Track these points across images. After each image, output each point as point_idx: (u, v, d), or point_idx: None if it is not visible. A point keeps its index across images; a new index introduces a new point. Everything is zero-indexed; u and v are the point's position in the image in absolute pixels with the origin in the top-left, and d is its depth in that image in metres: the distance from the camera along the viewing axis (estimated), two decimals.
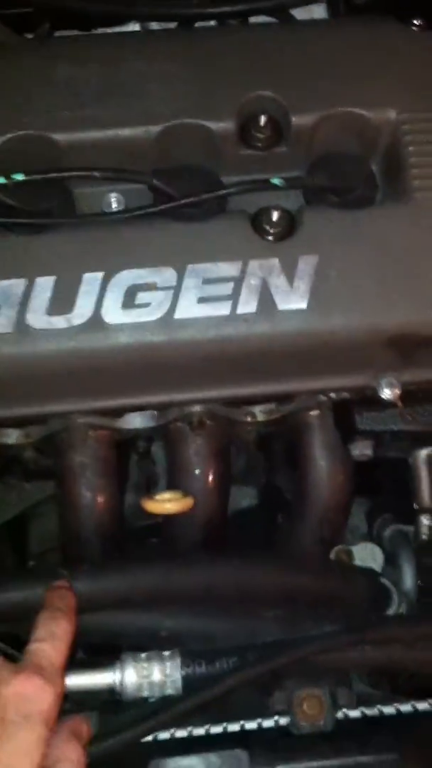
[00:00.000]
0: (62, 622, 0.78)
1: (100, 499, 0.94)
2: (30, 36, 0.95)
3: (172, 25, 0.99)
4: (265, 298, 0.82)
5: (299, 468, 0.99)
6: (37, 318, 0.81)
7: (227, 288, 0.83)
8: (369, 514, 1.16)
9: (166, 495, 0.91)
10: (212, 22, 0.98)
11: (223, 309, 0.82)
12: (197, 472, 0.95)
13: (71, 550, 0.96)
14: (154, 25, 1.00)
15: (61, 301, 0.81)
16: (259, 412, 0.96)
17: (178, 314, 0.82)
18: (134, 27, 1.00)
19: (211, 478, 0.96)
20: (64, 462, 0.94)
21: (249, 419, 0.96)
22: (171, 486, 0.97)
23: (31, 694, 0.71)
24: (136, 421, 0.94)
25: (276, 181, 0.86)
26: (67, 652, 0.76)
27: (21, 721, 0.70)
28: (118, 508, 0.98)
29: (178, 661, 0.82)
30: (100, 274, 0.82)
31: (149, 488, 1.18)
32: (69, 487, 0.95)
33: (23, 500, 1.17)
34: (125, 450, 1.10)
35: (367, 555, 1.10)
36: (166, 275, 0.82)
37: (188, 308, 0.82)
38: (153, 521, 1.09)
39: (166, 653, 0.83)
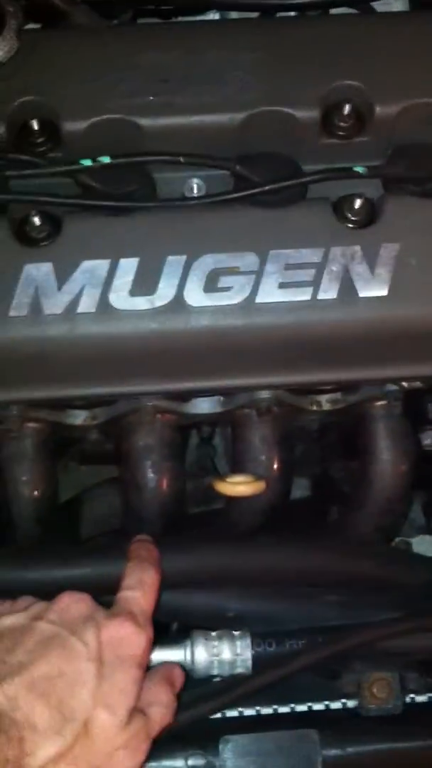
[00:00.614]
0: (150, 570, 0.80)
1: (165, 482, 0.95)
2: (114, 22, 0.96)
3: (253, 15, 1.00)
4: (346, 285, 0.83)
5: (362, 457, 0.99)
6: (120, 299, 0.82)
7: (308, 274, 0.83)
8: (426, 506, 1.17)
9: (239, 477, 0.92)
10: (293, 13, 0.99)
11: (304, 295, 0.83)
12: (263, 458, 0.96)
13: (134, 532, 0.97)
14: (234, 15, 1.01)
15: (144, 283, 0.82)
16: (325, 401, 0.96)
17: (259, 299, 0.83)
18: (214, 16, 1.01)
19: (276, 464, 0.96)
20: (130, 444, 0.95)
21: (315, 408, 0.97)
22: (232, 464, 0.98)
23: (125, 638, 0.74)
24: (203, 406, 0.95)
25: (359, 169, 0.86)
26: (155, 600, 0.79)
27: (117, 663, 0.73)
28: (182, 491, 0.99)
29: (248, 640, 0.83)
30: (182, 257, 0.83)
31: (208, 472, 1.19)
32: (134, 470, 0.95)
33: (78, 484, 1.19)
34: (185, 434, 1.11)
35: (426, 547, 1.11)
36: (248, 260, 0.83)
37: (269, 293, 0.83)
38: (204, 509, 1.11)
39: (236, 633, 0.84)
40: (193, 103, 0.88)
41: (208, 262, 0.83)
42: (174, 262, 0.83)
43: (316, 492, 1.20)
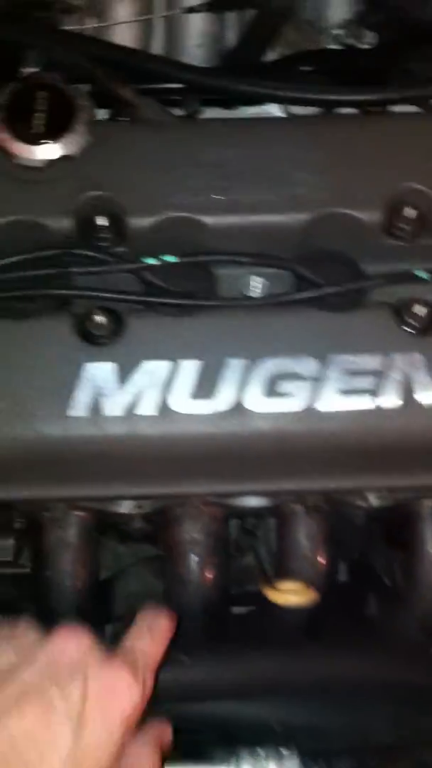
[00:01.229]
0: (161, 620, 0.75)
1: (209, 576, 0.94)
2: (178, 112, 0.96)
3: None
4: (408, 393, 0.82)
5: (409, 555, 0.98)
6: (180, 401, 0.82)
7: (369, 381, 0.83)
8: None
9: (289, 585, 0.90)
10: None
11: (364, 402, 0.82)
12: (309, 555, 0.95)
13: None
14: (296, 109, 1.01)
15: (205, 386, 0.82)
16: (374, 498, 0.95)
17: (320, 406, 0.82)
18: (276, 109, 1.01)
19: (322, 562, 0.95)
20: (175, 535, 0.94)
21: (362, 503, 0.96)
22: (278, 565, 0.97)
23: (115, 691, 0.66)
24: (251, 500, 0.94)
25: (422, 274, 0.86)
26: (161, 653, 0.72)
27: (99, 720, 0.65)
28: (225, 585, 0.98)
29: (296, 760, 0.81)
30: (243, 361, 0.83)
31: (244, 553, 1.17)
32: (178, 562, 0.94)
33: (116, 563, 1.17)
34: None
35: None
36: (309, 365, 0.83)
37: (330, 400, 0.82)
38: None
39: (285, 752, 0.82)
40: (257, 202, 0.88)
41: (268, 366, 0.83)
42: (234, 366, 0.82)
43: (353, 578, 1.19)
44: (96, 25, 1.14)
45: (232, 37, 1.17)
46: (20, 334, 0.84)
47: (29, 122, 0.88)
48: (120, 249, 0.87)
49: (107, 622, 1.07)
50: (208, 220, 0.87)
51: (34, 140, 0.87)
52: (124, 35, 1.16)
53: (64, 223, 0.87)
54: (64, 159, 0.87)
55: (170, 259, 0.85)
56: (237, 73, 1.06)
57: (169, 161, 0.89)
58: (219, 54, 1.17)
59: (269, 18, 1.06)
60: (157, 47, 1.18)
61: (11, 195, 0.87)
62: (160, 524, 0.96)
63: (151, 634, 0.73)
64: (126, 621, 0.76)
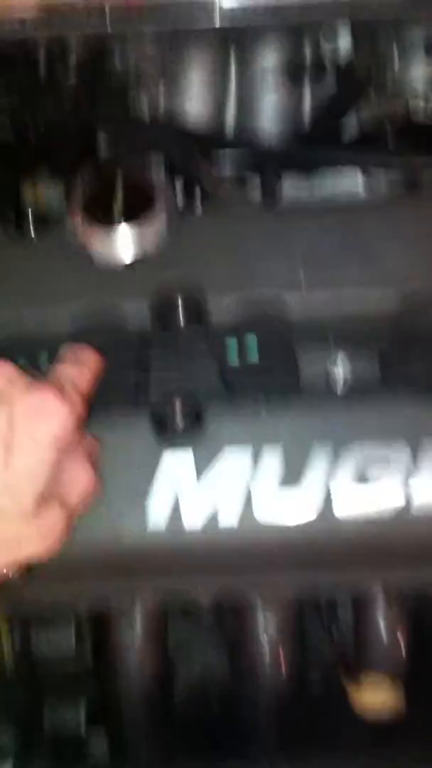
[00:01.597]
0: (91, 354, 0.72)
1: (282, 666, 0.92)
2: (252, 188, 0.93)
3: None
4: None
5: None
6: (265, 495, 0.78)
7: None
8: None
9: (374, 678, 0.85)
10: None
11: None
12: (392, 647, 0.90)
13: None
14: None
15: (289, 479, 0.78)
16: None
17: (416, 499, 0.78)
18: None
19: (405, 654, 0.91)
20: (249, 624, 0.92)
21: None
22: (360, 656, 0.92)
23: (43, 413, 0.63)
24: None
25: None
26: (92, 383, 0.69)
27: (29, 445, 0.63)
28: (299, 676, 0.94)
29: None
30: (329, 451, 0.79)
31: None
32: (250, 650, 0.92)
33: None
34: None
35: None
36: (401, 457, 0.78)
37: (425, 492, 0.78)
38: None
39: None
40: (343, 285, 0.85)
41: (357, 456, 0.78)
42: (320, 456, 0.79)
43: None
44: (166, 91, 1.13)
45: (309, 102, 1.15)
46: (98, 426, 0.80)
47: (107, 211, 0.86)
48: (199, 336, 0.85)
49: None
50: (290, 298, 0.84)
51: (112, 230, 0.85)
52: (196, 100, 1.16)
53: (141, 312, 0.84)
54: (142, 249, 0.85)
55: (252, 345, 0.82)
56: (316, 143, 1.04)
57: (253, 250, 0.86)
58: (295, 120, 1.15)
59: (350, 85, 1.03)
60: (230, 112, 1.17)
61: (88, 285, 0.85)
62: (232, 611, 0.94)
63: (78, 363, 0.70)
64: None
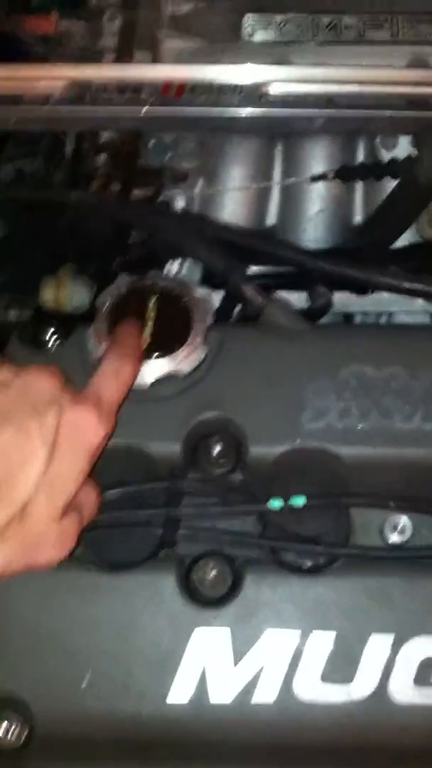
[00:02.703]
0: (130, 365, 0.74)
1: None
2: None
3: None
4: None
5: None
6: (307, 683, 0.67)
7: None
8: None
9: None
10: None
11: None
12: None
13: None
14: None
15: (339, 665, 0.67)
16: None
17: None
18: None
19: None
20: None
21: None
22: None
23: (85, 426, 0.68)
24: None
25: None
26: (125, 395, 0.72)
27: (69, 451, 0.66)
28: None
29: None
30: (389, 637, 0.68)
31: None
32: None
33: None
34: None
35: None
36: None
37: None
38: None
39: None
40: (402, 432, 0.74)
41: (419, 646, 0.67)
42: (377, 642, 0.67)
43: None
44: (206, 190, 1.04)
45: (359, 203, 1.06)
46: (122, 586, 0.71)
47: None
48: (237, 479, 0.74)
49: None
50: (344, 452, 0.73)
51: (143, 354, 0.75)
52: (236, 200, 1.07)
53: (173, 449, 0.74)
54: (175, 375, 0.75)
55: (298, 500, 0.71)
56: (371, 258, 0.95)
57: (299, 378, 0.76)
58: (343, 222, 1.06)
59: (412, 192, 0.93)
60: (272, 211, 1.08)
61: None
62: None
63: (117, 377, 0.73)
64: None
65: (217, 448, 0.74)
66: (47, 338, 0.80)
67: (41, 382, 0.68)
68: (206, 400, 0.75)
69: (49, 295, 0.96)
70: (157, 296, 0.78)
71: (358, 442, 0.74)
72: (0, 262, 1.03)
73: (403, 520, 0.75)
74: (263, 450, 0.74)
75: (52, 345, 0.80)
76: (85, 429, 0.67)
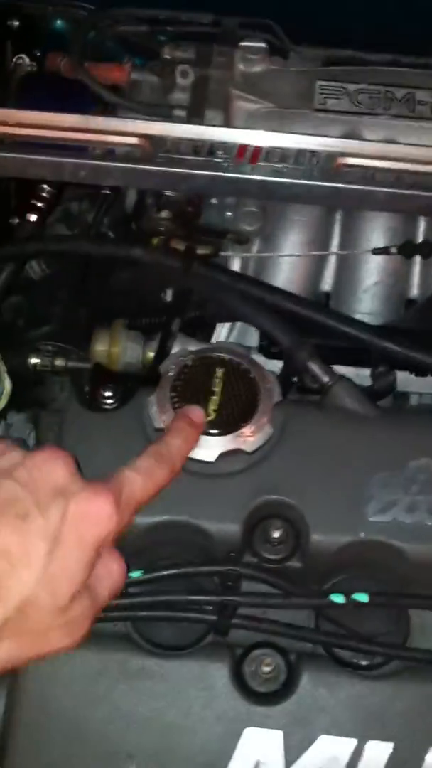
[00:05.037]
0: (166, 469, 0.70)
1: None
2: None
3: None
4: None
5: None
6: None
7: None
8: None
9: None
10: None
11: None
12: None
13: None
14: None
15: None
16: None
17: None
18: None
19: None
20: None
21: None
22: None
23: (94, 515, 0.64)
24: None
25: None
26: (152, 497, 0.68)
27: (74, 543, 0.63)
28: None
29: None
30: None
31: None
32: None
33: None
34: None
35: None
36: None
37: None
38: None
39: None
40: None
41: None
42: None
43: None
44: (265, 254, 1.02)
45: (417, 279, 1.04)
46: (170, 674, 0.68)
47: (201, 405, 0.73)
48: (295, 566, 0.72)
49: None
50: (409, 548, 0.71)
51: (207, 428, 0.72)
52: (293, 264, 1.05)
53: (232, 529, 0.71)
54: (238, 453, 0.73)
55: (361, 597, 0.68)
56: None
57: (365, 465, 0.73)
58: (399, 295, 1.04)
59: None
60: (328, 279, 1.06)
61: (174, 490, 0.71)
62: None
63: (147, 476, 0.69)
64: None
65: (276, 533, 0.72)
66: (106, 398, 0.78)
67: (50, 471, 0.65)
68: (269, 482, 0.73)
69: (101, 348, 0.94)
70: (224, 369, 0.76)
71: (424, 540, 0.71)
72: (48, 309, 1.02)
73: None
74: (325, 539, 0.71)
75: (112, 405, 0.78)
76: (93, 519, 0.64)
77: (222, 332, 0.99)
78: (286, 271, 1.04)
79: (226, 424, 0.73)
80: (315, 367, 0.80)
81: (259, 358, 0.90)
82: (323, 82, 0.99)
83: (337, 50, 1.05)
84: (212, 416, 0.73)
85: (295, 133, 0.91)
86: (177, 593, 0.69)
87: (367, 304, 1.05)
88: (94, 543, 0.64)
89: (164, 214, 0.97)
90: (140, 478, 0.68)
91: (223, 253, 1.01)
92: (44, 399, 0.92)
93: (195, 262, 0.89)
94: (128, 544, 0.70)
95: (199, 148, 0.88)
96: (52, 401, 0.92)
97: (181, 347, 0.89)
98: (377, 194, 0.89)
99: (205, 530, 0.71)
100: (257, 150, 0.88)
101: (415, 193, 0.90)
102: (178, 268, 0.90)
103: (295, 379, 0.86)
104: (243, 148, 0.88)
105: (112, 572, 0.67)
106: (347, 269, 1.05)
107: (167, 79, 1.00)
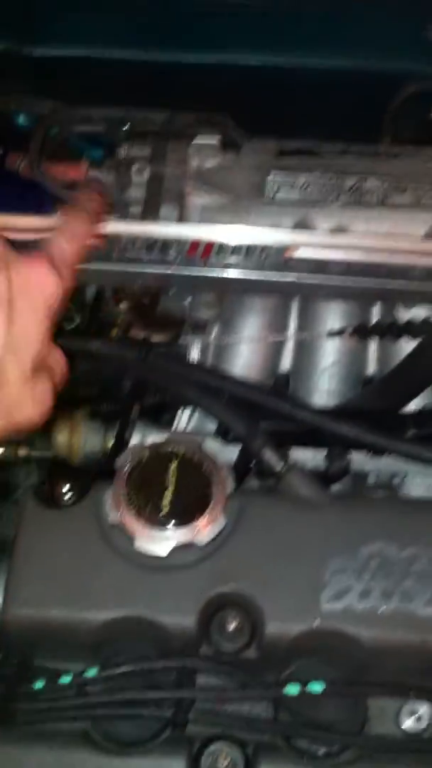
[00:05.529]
0: (86, 224, 0.77)
1: None
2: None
3: None
4: None
5: None
6: None
7: None
8: None
9: None
10: None
11: None
12: None
13: None
14: None
15: None
16: None
17: None
18: None
19: None
20: None
21: None
22: None
23: (38, 282, 0.68)
24: None
25: None
26: (80, 255, 0.74)
27: (27, 309, 0.67)
28: None
29: None
30: None
31: None
32: None
33: None
34: None
35: None
36: None
37: None
38: None
39: None
40: (424, 617, 0.71)
41: None
42: None
43: None
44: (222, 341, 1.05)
45: (374, 358, 1.07)
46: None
47: (155, 499, 0.75)
48: (252, 656, 0.72)
49: None
50: (364, 635, 0.72)
51: (160, 523, 0.74)
52: (252, 348, 1.07)
53: (187, 622, 0.72)
54: (192, 546, 0.74)
55: (316, 687, 0.69)
56: (385, 417, 0.95)
57: (318, 552, 0.74)
58: (357, 376, 1.07)
59: (430, 355, 0.94)
60: (286, 360, 1.08)
61: (129, 585, 0.73)
62: None
63: (71, 236, 0.75)
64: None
65: (232, 624, 0.73)
66: (63, 494, 0.80)
67: None
68: (223, 572, 0.74)
69: (63, 438, 0.95)
70: (178, 462, 0.78)
71: (378, 627, 0.72)
72: None
73: (422, 707, 0.73)
74: (280, 629, 0.72)
75: (68, 500, 0.80)
76: (39, 283, 0.68)
77: (184, 416, 1.02)
78: (246, 354, 1.06)
79: (179, 517, 0.74)
80: (269, 455, 0.82)
81: (218, 443, 0.92)
82: (275, 174, 1.03)
83: (289, 141, 1.09)
84: (166, 510, 0.75)
85: (245, 227, 0.94)
86: (134, 690, 0.70)
87: (325, 384, 1.06)
88: (45, 306, 0.68)
89: (123, 305, 1.00)
90: (64, 238, 0.74)
91: (182, 340, 1.05)
92: (8, 487, 0.94)
93: (151, 353, 0.92)
94: (84, 641, 0.72)
95: (152, 245, 0.91)
96: (15, 489, 0.94)
97: (141, 435, 0.92)
98: (328, 284, 0.92)
99: (160, 625, 0.72)
100: (209, 245, 0.91)
101: (365, 280, 0.93)
102: (135, 359, 0.92)
103: (253, 464, 0.88)
104: (195, 243, 0.91)
105: (60, 362, 0.73)
106: (305, 350, 1.07)
107: (123, 177, 1.02)
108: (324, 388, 1.07)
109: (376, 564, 0.74)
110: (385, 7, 1.15)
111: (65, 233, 0.74)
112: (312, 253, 0.92)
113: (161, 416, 1.00)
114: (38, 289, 0.68)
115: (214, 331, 1.05)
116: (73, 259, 0.73)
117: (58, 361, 0.72)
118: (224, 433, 0.92)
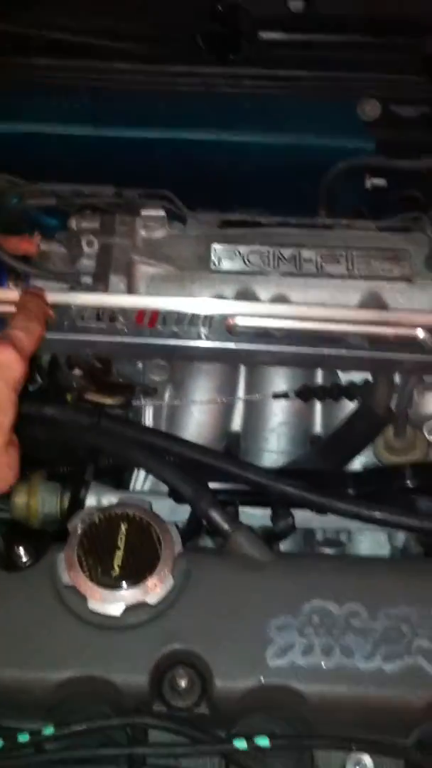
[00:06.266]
0: (36, 323, 0.89)
1: None
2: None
3: None
4: None
5: None
6: None
7: None
8: None
9: None
10: None
11: None
12: None
13: None
14: None
15: None
16: None
17: None
18: None
19: None
20: None
21: None
22: None
23: (5, 362, 0.82)
24: None
25: None
26: (35, 348, 0.87)
27: (2, 385, 0.80)
28: None
29: None
30: None
31: None
32: None
33: None
34: None
35: None
36: None
37: None
38: None
39: None
40: (364, 671, 0.75)
41: None
42: None
43: None
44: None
45: (320, 418, 1.11)
46: None
47: (106, 561, 0.78)
48: (202, 713, 0.75)
49: None
50: (307, 690, 0.75)
51: (111, 584, 0.77)
52: (202, 409, 1.11)
53: (139, 680, 0.75)
54: (143, 605, 0.77)
55: (262, 741, 0.72)
56: (328, 476, 0.99)
57: (263, 612, 0.78)
58: (304, 434, 1.11)
59: (368, 418, 1.00)
60: (237, 421, 1.12)
61: (83, 645, 0.75)
62: None
63: (27, 331, 0.86)
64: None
65: (183, 682, 0.75)
66: (19, 556, 0.82)
67: None
68: (174, 631, 0.77)
69: (21, 500, 0.97)
70: (127, 525, 0.81)
71: (320, 682, 0.75)
72: None
73: (365, 758, 0.76)
74: (228, 685, 0.75)
75: (25, 563, 0.82)
76: (6, 364, 0.81)
77: (140, 476, 1.05)
78: (197, 415, 1.10)
79: (130, 578, 0.77)
80: (215, 516, 0.85)
81: (171, 503, 0.96)
82: (218, 245, 1.08)
83: (230, 214, 1.15)
84: (117, 571, 0.78)
85: (190, 298, 0.99)
86: (88, 747, 0.72)
87: (273, 443, 1.11)
88: (13, 383, 0.81)
89: (76, 371, 1.03)
90: (23, 334, 0.86)
91: (135, 404, 1.08)
92: None
93: (103, 418, 0.96)
94: (40, 700, 0.74)
95: (101, 314, 0.96)
96: None
97: (97, 496, 0.95)
98: (268, 350, 0.97)
99: (113, 683, 0.75)
100: (155, 314, 0.96)
101: (303, 348, 0.98)
102: (88, 423, 0.96)
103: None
104: (142, 313, 0.96)
105: (16, 444, 0.83)
106: (254, 411, 1.12)
107: (74, 248, 1.07)
108: (273, 447, 1.12)
109: (318, 620, 0.77)
110: (322, 88, 1.23)
111: (25, 330, 0.86)
112: (252, 321, 0.97)
113: (119, 476, 1.03)
114: (8, 369, 0.82)
115: (166, 394, 1.10)
116: (30, 352, 0.86)
117: (15, 444, 0.82)
118: (176, 494, 0.96)
